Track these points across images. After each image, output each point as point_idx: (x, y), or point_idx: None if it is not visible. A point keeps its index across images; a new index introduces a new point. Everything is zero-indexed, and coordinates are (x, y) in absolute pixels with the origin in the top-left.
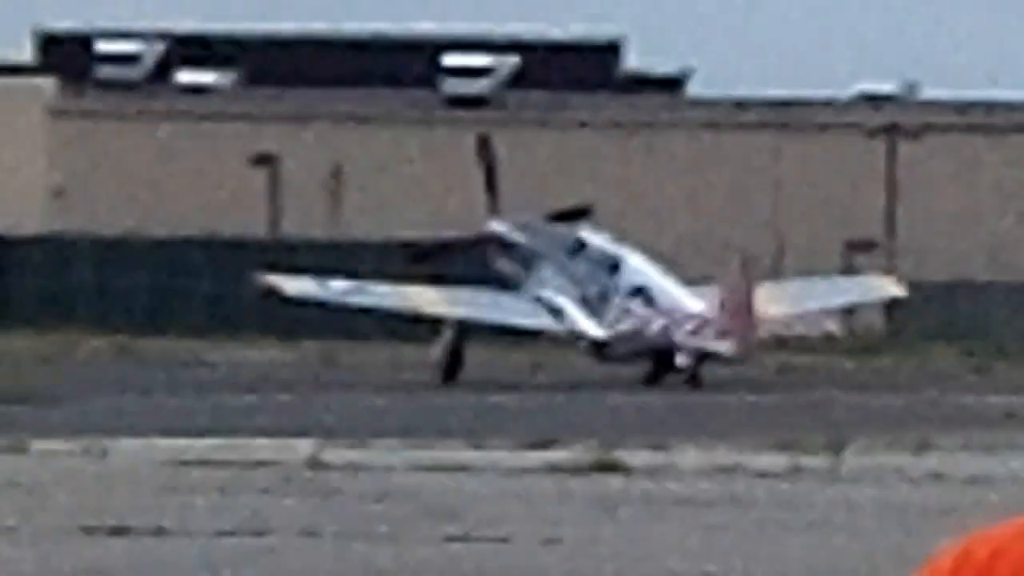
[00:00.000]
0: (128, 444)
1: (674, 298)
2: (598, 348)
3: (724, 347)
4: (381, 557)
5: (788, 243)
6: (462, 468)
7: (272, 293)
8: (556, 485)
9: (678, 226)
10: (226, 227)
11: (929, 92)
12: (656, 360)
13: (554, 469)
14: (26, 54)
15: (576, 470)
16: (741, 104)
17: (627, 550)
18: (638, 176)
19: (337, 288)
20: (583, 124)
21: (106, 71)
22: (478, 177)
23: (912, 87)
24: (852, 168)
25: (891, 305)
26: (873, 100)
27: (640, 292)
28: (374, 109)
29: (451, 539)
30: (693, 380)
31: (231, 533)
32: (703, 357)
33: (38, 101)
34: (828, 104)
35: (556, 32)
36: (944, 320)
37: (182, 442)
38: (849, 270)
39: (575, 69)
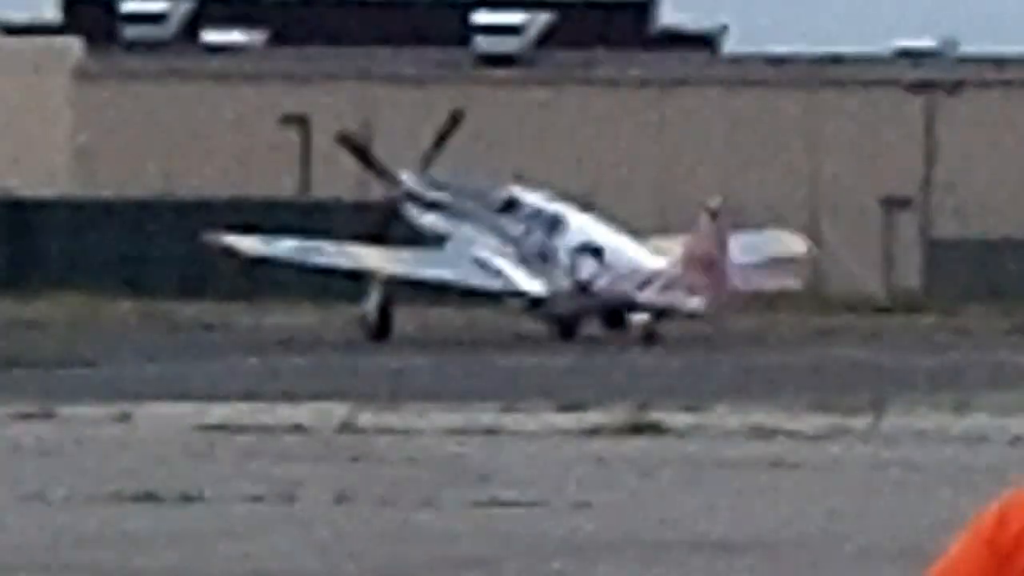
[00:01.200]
0: (155, 409)
1: (629, 255)
2: (536, 306)
3: (693, 303)
4: (414, 522)
5: (824, 201)
6: (495, 431)
7: (227, 253)
8: (590, 448)
9: (712, 185)
10: (255, 189)
11: (967, 47)
12: (607, 318)
13: (588, 432)
14: (51, 14)
15: (611, 432)
16: (776, 61)
17: (662, 514)
18: (672, 135)
19: (285, 247)
20: (616, 82)
21: (132, 31)
22: (509, 135)
23: (950, 43)
24: (889, 125)
25: (930, 263)
26: (911, 56)
27: (589, 250)
28: (404, 68)
29: (484, 503)
30: (649, 338)
31: (261, 499)
32: (661, 314)
33: (63, 62)
34: (865, 60)
35: None
36: (983, 278)
37: (211, 407)
38: (888, 228)
39: (608, 26)
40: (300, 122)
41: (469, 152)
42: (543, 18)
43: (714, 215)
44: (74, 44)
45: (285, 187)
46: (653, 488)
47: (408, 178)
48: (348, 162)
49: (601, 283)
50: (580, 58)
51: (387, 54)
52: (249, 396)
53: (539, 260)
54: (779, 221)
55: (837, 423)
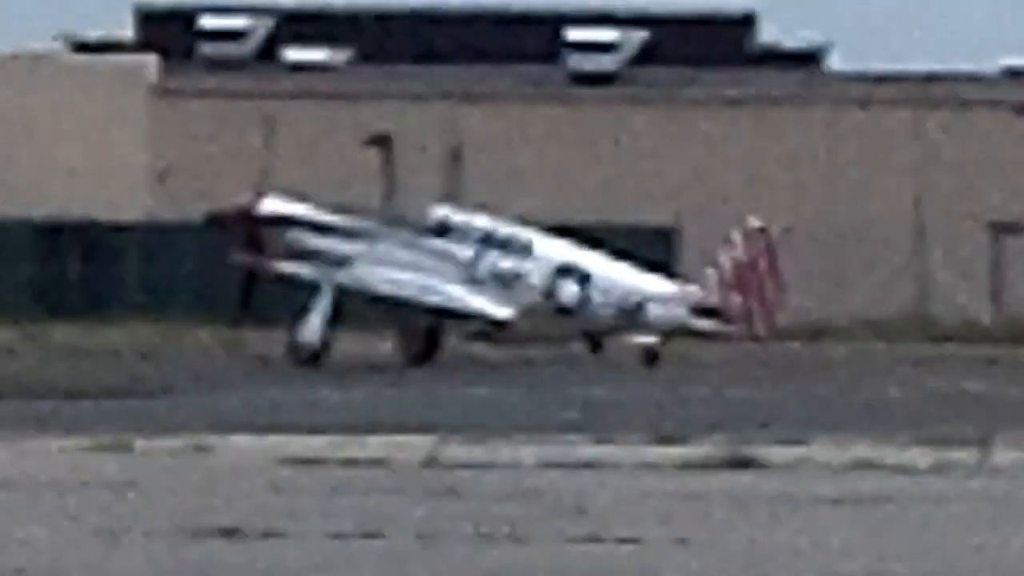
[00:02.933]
0: (236, 441)
1: (621, 278)
2: (496, 329)
3: (706, 324)
4: (504, 559)
5: (930, 225)
6: (588, 464)
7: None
8: (686, 482)
9: (813, 206)
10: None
11: None
12: (590, 339)
13: (684, 466)
14: (127, 31)
15: (708, 466)
16: (880, 79)
17: (760, 551)
18: (772, 155)
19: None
20: (715, 101)
21: (211, 48)
22: (605, 157)
23: None
24: (997, 146)
25: None
26: (1018, 75)
27: (570, 273)
28: (494, 87)
29: (578, 539)
30: (652, 359)
31: (345, 535)
32: (668, 335)
33: (140, 80)
34: (971, 79)
35: (686, 5)
36: None
37: (293, 439)
38: (996, 253)
39: (706, 43)
40: (385, 142)
41: (561, 173)
42: (638, 35)
43: (754, 236)
44: (150, 62)
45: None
46: (751, 524)
47: (273, 202)
48: (434, 183)
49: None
50: (677, 76)
51: (477, 72)
52: (331, 428)
53: (497, 283)
54: (883, 244)
55: (943, 457)
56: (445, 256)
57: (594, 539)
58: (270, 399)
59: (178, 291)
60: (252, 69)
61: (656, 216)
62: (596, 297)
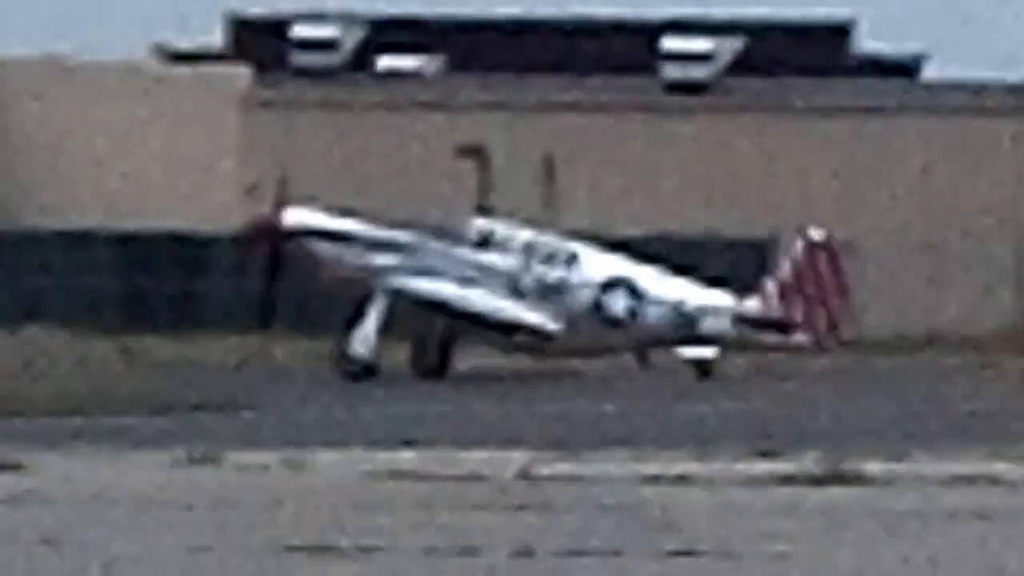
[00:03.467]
0: (329, 456)
1: (672, 289)
2: (542, 341)
3: (766, 336)
4: (598, 575)
5: None
6: (684, 480)
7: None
8: (784, 497)
9: (909, 217)
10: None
11: None
12: (638, 353)
13: (782, 480)
14: (217, 40)
15: (806, 481)
16: (979, 89)
17: (860, 566)
18: (869, 165)
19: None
20: (812, 111)
21: (302, 58)
22: (700, 168)
23: None
24: None
25: None
26: None
27: (620, 285)
28: (588, 96)
29: (673, 554)
30: (705, 373)
31: (439, 551)
32: (725, 347)
33: (230, 91)
34: None
35: (783, 13)
36: None
37: (386, 454)
38: None
39: (803, 53)
40: (478, 153)
41: (655, 184)
42: (734, 44)
43: (816, 246)
44: (242, 72)
45: None
46: (850, 540)
47: (303, 214)
48: (528, 194)
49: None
50: (773, 85)
51: (570, 82)
52: (423, 442)
53: (542, 295)
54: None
55: None
56: (488, 268)
57: (689, 554)
58: (361, 413)
59: (270, 305)
60: (344, 79)
61: (751, 228)
62: (647, 309)
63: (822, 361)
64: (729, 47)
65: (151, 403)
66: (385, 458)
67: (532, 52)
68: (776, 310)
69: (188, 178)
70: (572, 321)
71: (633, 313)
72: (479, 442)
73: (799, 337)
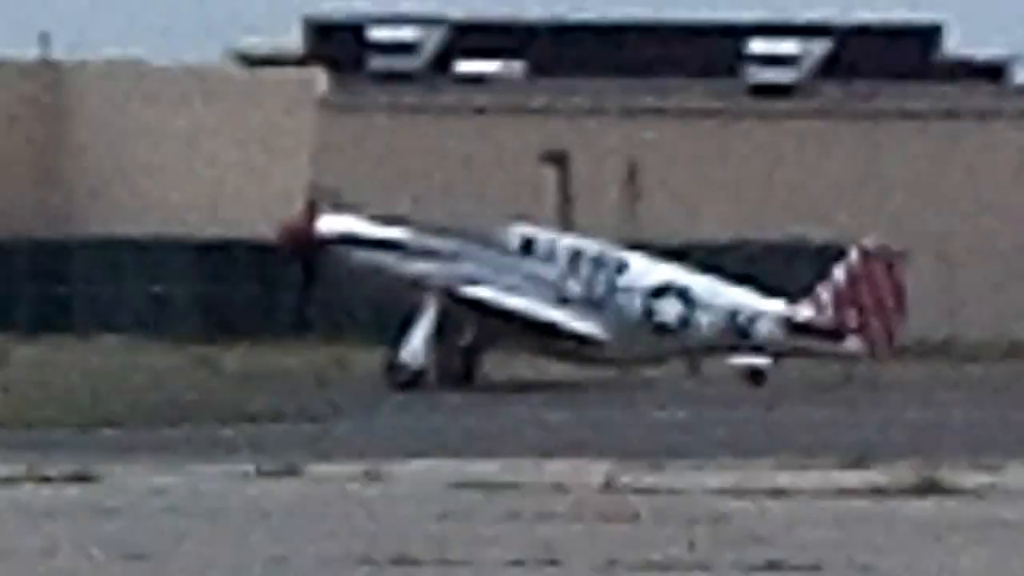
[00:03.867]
0: (409, 467)
1: (726, 294)
2: (589, 349)
3: (849, 345)
4: None
5: None
6: (772, 490)
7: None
8: (874, 508)
9: (999, 222)
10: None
11: None
12: (689, 360)
13: (873, 491)
14: (295, 43)
15: (897, 491)
16: None
17: None
18: (958, 170)
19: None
20: (899, 114)
21: (381, 61)
22: (786, 172)
23: None
24: None
25: None
26: None
27: (667, 291)
28: (673, 100)
29: (759, 567)
30: (757, 380)
31: (521, 563)
32: (778, 355)
33: (308, 94)
34: None
35: (870, 15)
36: None
37: (466, 464)
38: None
39: (891, 55)
40: (560, 159)
41: (740, 188)
42: (820, 46)
43: (873, 254)
44: (319, 76)
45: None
46: (941, 551)
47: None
48: (611, 201)
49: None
50: (859, 89)
51: (654, 86)
52: (505, 452)
53: (588, 302)
54: None
55: None
56: (533, 275)
57: (776, 567)
58: (442, 423)
59: (351, 313)
60: (423, 83)
61: (837, 234)
62: (698, 316)
63: (913, 369)
64: (816, 50)
65: (228, 413)
66: (467, 468)
67: (615, 56)
68: (828, 317)
69: (264, 184)
70: (622, 329)
71: (684, 320)
72: (560, 452)
73: (852, 345)
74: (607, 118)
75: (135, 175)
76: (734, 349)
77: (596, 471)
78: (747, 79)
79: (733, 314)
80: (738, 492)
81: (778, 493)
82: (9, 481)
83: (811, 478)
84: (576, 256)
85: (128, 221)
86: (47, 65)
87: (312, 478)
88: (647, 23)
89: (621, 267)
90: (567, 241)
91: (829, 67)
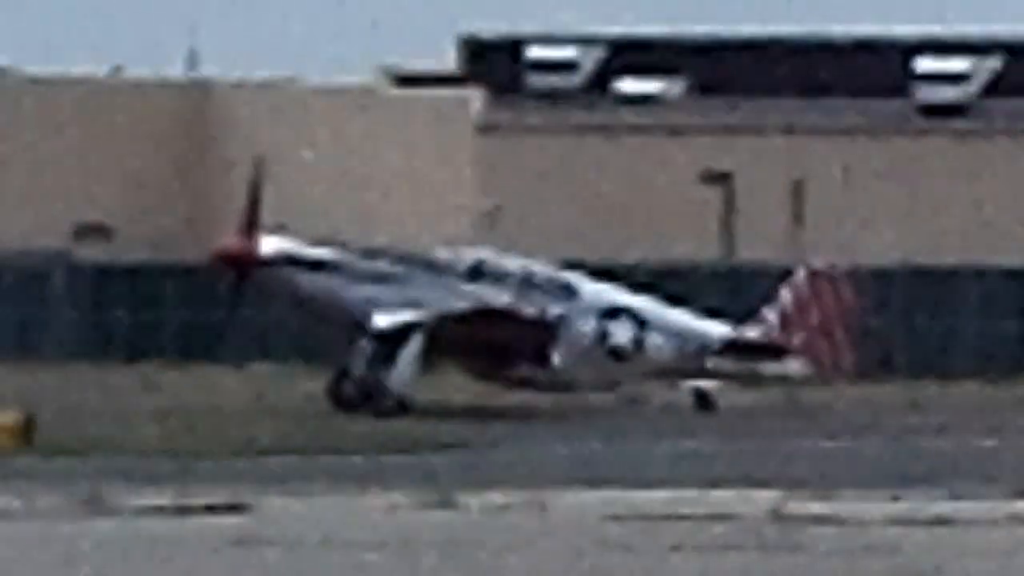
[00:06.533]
0: (568, 496)
1: (675, 317)
2: (544, 375)
3: (792, 367)
4: None
5: None
6: (943, 520)
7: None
8: None
9: None
10: (672, 253)
11: None
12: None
13: None
14: (451, 63)
15: None
16: None
17: None
18: None
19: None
20: None
21: (539, 80)
22: (956, 193)
23: None
24: None
25: None
26: None
27: (619, 314)
28: (838, 120)
29: None
30: (705, 405)
31: None
32: (728, 379)
33: (465, 114)
34: None
35: None
36: None
37: (628, 494)
38: None
39: None
40: (722, 179)
41: (909, 210)
42: (992, 64)
43: (818, 276)
44: (475, 95)
45: (706, 251)
46: None
47: (279, 242)
48: (774, 221)
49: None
50: None
51: (819, 105)
52: (668, 482)
53: None
54: None
55: None
56: (481, 301)
57: None
58: (602, 451)
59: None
60: (582, 101)
61: (1008, 256)
62: (652, 340)
63: None
64: (986, 67)
65: (385, 442)
66: (629, 498)
67: (779, 73)
68: (771, 336)
69: (421, 205)
70: (574, 354)
71: (638, 343)
72: (730, 481)
73: (796, 366)
74: (770, 137)
75: (288, 195)
76: (684, 374)
77: (760, 499)
78: (916, 97)
79: (685, 339)
80: (907, 522)
81: (947, 521)
82: (160, 510)
83: (985, 507)
84: (526, 280)
85: None
86: (196, 84)
87: (468, 509)
88: (813, 39)
89: (570, 290)
90: (515, 265)
91: (1000, 84)
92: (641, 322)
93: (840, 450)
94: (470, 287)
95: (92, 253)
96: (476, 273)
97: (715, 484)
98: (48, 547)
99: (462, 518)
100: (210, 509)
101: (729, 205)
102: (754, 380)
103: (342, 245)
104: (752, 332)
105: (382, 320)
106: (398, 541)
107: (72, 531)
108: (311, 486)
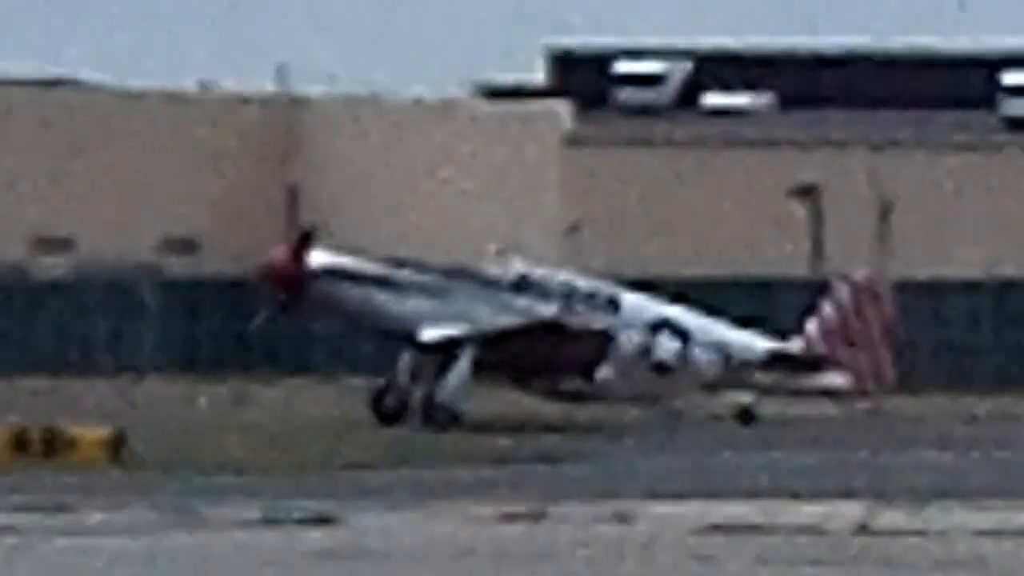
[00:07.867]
0: (656, 508)
1: (719, 331)
2: (588, 387)
3: (836, 381)
4: None
5: None
6: None
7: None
8: None
9: None
10: (760, 267)
11: None
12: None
13: None
14: (539, 76)
15: None
16: None
17: None
18: None
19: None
20: None
21: (626, 94)
22: None
23: None
24: None
25: None
26: None
27: (664, 327)
28: (926, 133)
29: None
30: (747, 418)
31: None
32: (766, 392)
33: (552, 127)
34: None
35: None
36: None
37: (716, 506)
38: None
39: None
40: (810, 193)
41: (997, 224)
42: None
43: (860, 289)
44: (563, 108)
45: (795, 265)
46: None
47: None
48: (861, 236)
49: (704, 361)
50: None
51: (906, 118)
52: (756, 494)
53: None
54: None
55: None
56: (529, 314)
57: None
58: (695, 462)
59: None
60: (670, 116)
61: None
62: (696, 354)
63: None
64: None
65: (473, 455)
66: (719, 510)
67: (866, 87)
68: (813, 351)
69: (507, 217)
70: (619, 366)
71: (683, 357)
72: (817, 493)
73: (837, 380)
74: (858, 151)
75: (373, 208)
76: (726, 386)
77: (850, 512)
78: (1002, 111)
79: (729, 352)
80: (998, 534)
81: None
82: (249, 524)
83: None
84: (571, 293)
85: None
86: (286, 98)
87: (557, 520)
88: (899, 53)
89: (613, 303)
90: (561, 278)
91: None
92: (684, 335)
93: (926, 462)
94: (516, 300)
95: (179, 266)
96: (521, 286)
97: (805, 496)
98: (140, 560)
99: (550, 530)
100: (300, 522)
101: (817, 218)
102: (796, 393)
103: (392, 258)
104: (794, 345)
105: (429, 333)
106: (483, 553)
107: (165, 544)
108: (401, 499)
